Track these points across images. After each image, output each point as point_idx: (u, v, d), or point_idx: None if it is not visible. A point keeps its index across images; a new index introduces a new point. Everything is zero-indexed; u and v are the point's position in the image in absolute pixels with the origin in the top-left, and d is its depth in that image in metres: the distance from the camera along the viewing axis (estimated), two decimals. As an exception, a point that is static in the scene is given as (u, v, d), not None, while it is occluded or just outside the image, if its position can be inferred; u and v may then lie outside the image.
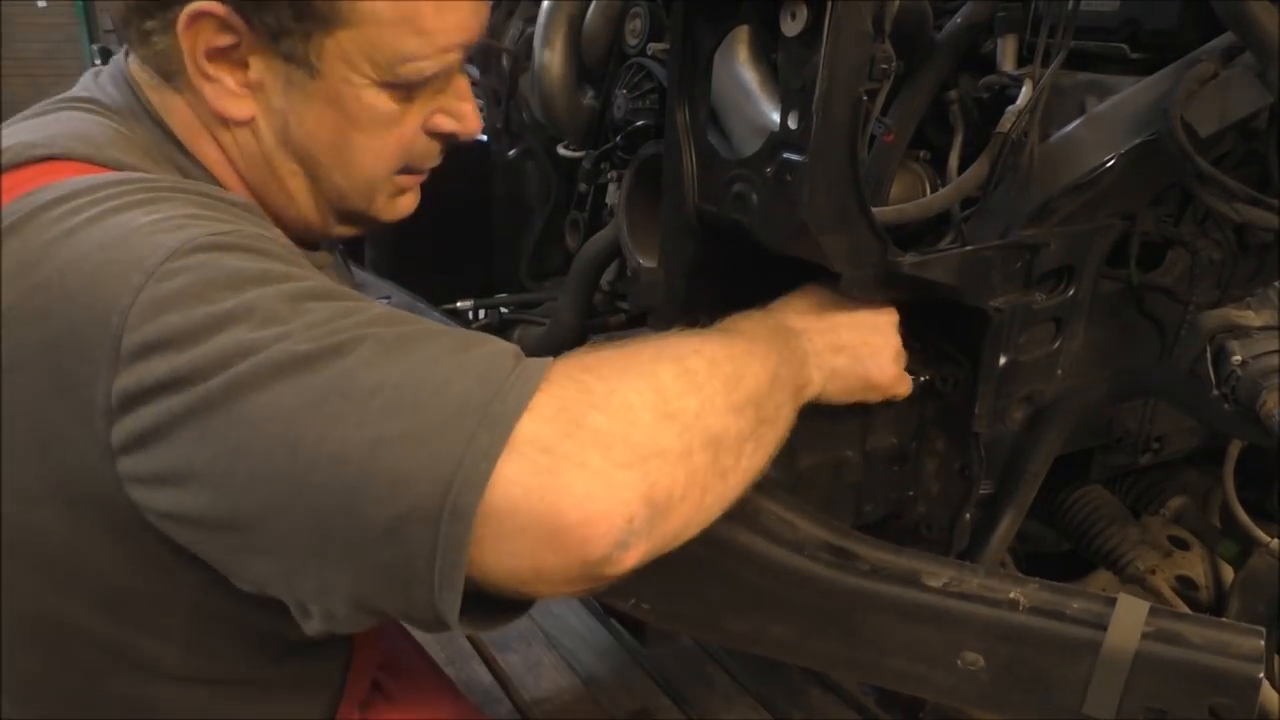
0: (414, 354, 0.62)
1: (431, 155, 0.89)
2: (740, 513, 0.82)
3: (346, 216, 0.88)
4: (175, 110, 0.82)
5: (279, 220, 0.85)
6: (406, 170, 0.87)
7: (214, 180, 0.82)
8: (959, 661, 0.78)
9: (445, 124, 0.86)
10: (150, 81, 0.82)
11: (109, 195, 0.70)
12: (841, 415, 1.03)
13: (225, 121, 0.80)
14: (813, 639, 0.81)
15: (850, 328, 0.92)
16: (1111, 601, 0.76)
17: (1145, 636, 0.73)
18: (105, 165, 0.75)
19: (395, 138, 0.83)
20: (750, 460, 0.74)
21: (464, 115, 0.86)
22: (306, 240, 0.89)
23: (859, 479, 1.10)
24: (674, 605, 0.84)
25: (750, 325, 0.85)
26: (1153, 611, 0.75)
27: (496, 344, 0.66)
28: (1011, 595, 0.78)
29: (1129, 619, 0.74)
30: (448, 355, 0.63)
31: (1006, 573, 0.82)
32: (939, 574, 0.80)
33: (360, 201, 0.86)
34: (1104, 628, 0.74)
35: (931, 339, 1.09)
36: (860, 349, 0.92)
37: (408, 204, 0.92)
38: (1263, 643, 0.73)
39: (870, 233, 0.94)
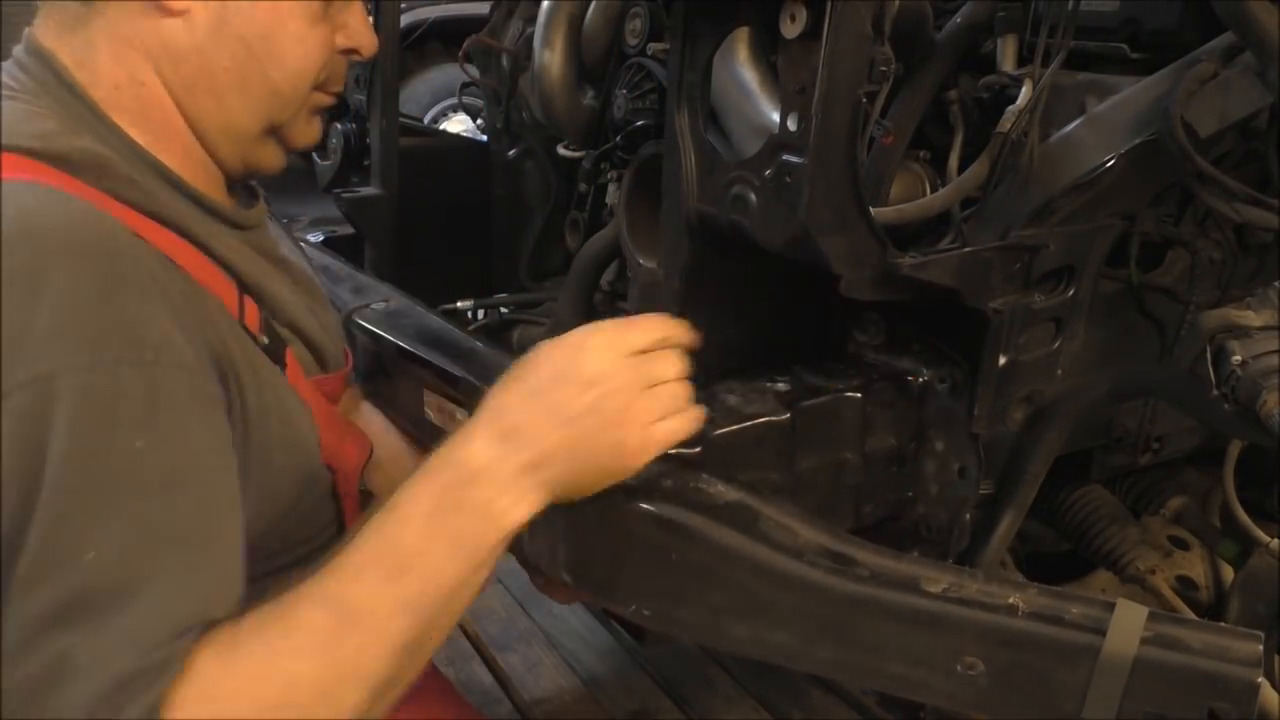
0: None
1: (339, 76, 0.92)
2: (740, 519, 0.81)
3: (270, 131, 0.89)
4: (91, 48, 0.81)
5: (206, 141, 0.85)
6: (321, 88, 0.90)
7: (126, 138, 0.81)
8: (958, 666, 0.78)
9: (347, 40, 0.90)
10: (60, 37, 0.81)
11: None
12: (839, 417, 1.03)
13: (156, 23, 0.80)
14: (813, 645, 0.81)
15: (556, 425, 0.74)
16: (1110, 606, 0.76)
17: (1144, 641, 0.73)
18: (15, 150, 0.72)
19: (320, 36, 0.86)
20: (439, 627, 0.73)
21: (361, 35, 0.91)
22: (231, 170, 0.90)
23: (858, 480, 1.10)
24: (674, 611, 0.84)
25: (416, 502, 0.73)
26: (1151, 616, 0.75)
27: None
28: (1010, 600, 0.78)
29: (1128, 624, 0.74)
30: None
31: (1005, 577, 0.82)
32: (938, 579, 0.80)
33: (287, 107, 0.88)
34: (1103, 633, 0.74)
35: (929, 340, 1.09)
36: (576, 446, 0.75)
37: (317, 129, 0.94)
38: (1261, 647, 0.72)
39: (869, 234, 0.93)
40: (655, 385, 0.76)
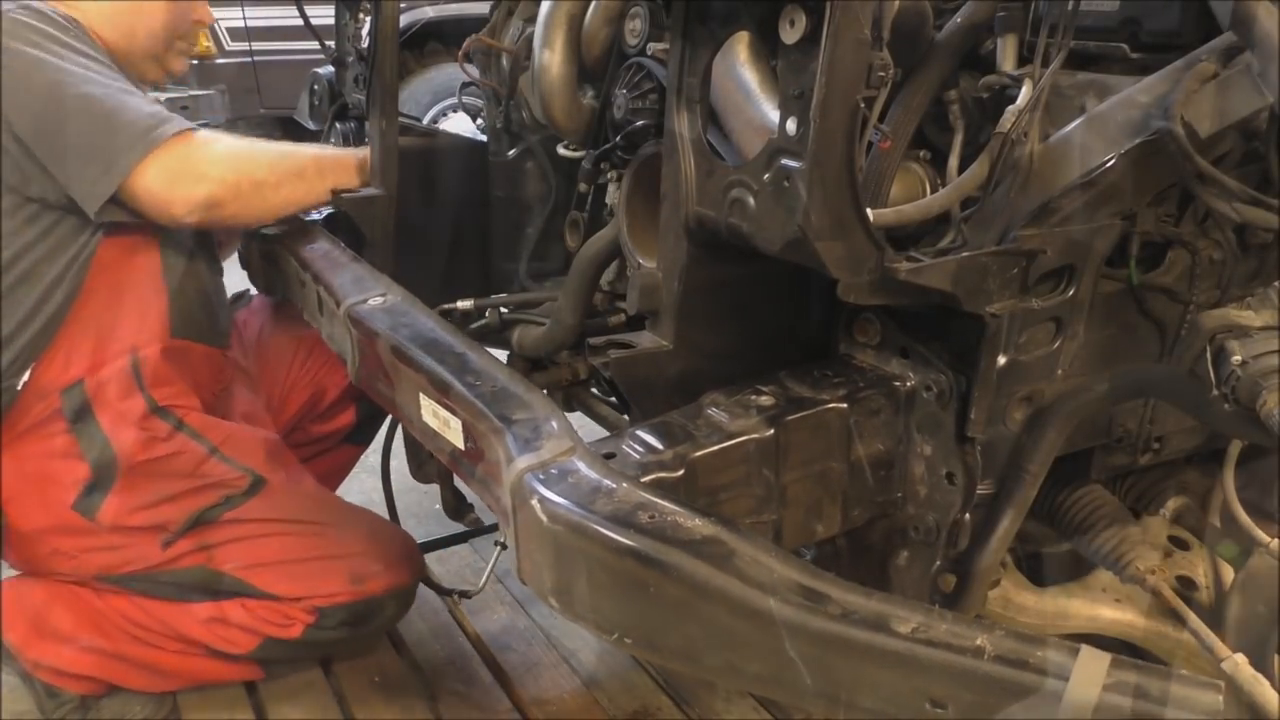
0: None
1: (194, 35, 1.80)
2: (714, 554, 0.83)
3: (153, 58, 1.72)
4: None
5: (115, 53, 1.63)
6: (182, 40, 1.76)
7: (84, 33, 1.58)
8: (926, 705, 0.79)
9: (195, 15, 1.76)
10: None
11: None
12: (825, 429, 1.04)
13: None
14: (787, 677, 0.83)
15: None
16: (1074, 651, 0.77)
17: (1105, 688, 0.74)
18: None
19: (178, 12, 1.71)
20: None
21: (202, 11, 1.78)
22: (129, 70, 1.65)
23: (845, 487, 1.10)
24: (654, 640, 0.86)
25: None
26: (1114, 663, 0.76)
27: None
28: (978, 642, 0.78)
29: (1090, 671, 0.75)
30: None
31: (973, 619, 0.82)
32: (908, 619, 0.81)
33: (157, 50, 1.71)
34: (1066, 678, 0.75)
35: (917, 347, 1.09)
36: None
37: (184, 64, 1.82)
38: (1221, 698, 0.73)
39: (867, 239, 0.93)
40: None
